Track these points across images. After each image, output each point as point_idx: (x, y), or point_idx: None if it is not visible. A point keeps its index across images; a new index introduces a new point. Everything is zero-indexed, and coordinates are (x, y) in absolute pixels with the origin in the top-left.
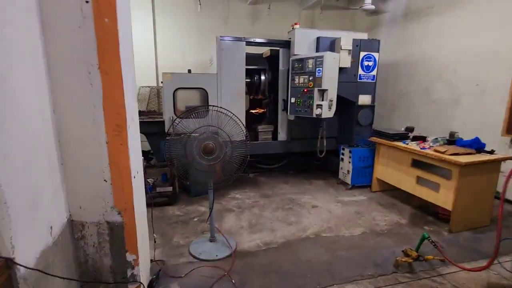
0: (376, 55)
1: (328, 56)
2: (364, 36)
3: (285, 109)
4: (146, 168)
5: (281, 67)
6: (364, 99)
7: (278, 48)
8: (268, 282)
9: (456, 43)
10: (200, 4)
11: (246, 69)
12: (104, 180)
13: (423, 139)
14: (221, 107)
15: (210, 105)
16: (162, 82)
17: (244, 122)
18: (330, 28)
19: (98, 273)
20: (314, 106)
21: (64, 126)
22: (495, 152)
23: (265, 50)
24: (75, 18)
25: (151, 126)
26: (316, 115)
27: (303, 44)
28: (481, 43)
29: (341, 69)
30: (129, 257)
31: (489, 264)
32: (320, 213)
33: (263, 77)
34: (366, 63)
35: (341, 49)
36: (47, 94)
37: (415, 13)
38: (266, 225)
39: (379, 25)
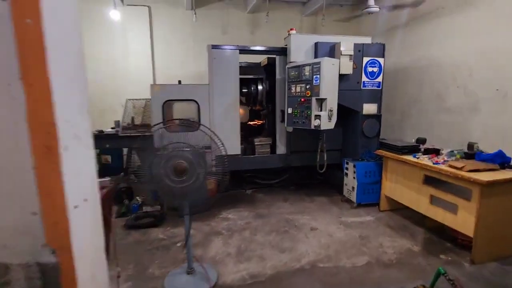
0: (381, 60)
1: (326, 62)
2: (367, 40)
3: (283, 120)
4: (135, 185)
5: (278, 75)
6: (369, 108)
7: (275, 56)
8: None
9: (470, 44)
10: (195, 14)
11: (243, 79)
12: (33, 213)
13: (436, 152)
14: (193, 121)
15: (177, 119)
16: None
17: (238, 135)
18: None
19: None
20: (312, 117)
21: None
22: None
23: (263, 59)
24: None
25: (142, 140)
26: (315, 126)
27: (300, 50)
28: (500, 42)
29: (342, 76)
30: None
31: None
32: (319, 237)
33: (260, 87)
34: (370, 69)
35: (342, 55)
36: None
37: (424, 14)
38: (256, 252)
39: (386, 29)
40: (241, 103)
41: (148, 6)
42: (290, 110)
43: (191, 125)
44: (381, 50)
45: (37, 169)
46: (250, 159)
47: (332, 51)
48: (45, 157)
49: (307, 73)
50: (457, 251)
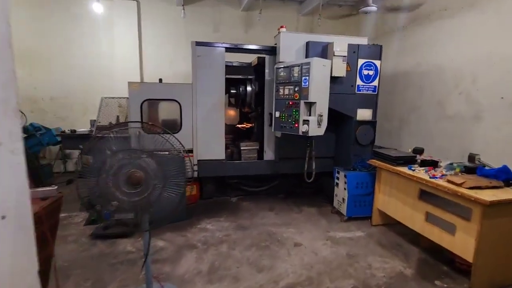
0: (377, 62)
1: (316, 62)
2: (363, 41)
3: (271, 124)
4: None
5: (267, 76)
6: (363, 114)
7: (265, 56)
8: None
9: (474, 49)
10: (183, 10)
11: (231, 79)
12: None
13: (434, 164)
14: (150, 124)
15: (130, 121)
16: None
17: (223, 139)
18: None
19: None
20: (300, 122)
21: None
22: None
23: (254, 59)
24: None
25: (120, 143)
26: (303, 132)
27: (291, 50)
28: (506, 48)
29: (335, 79)
30: None
31: None
32: (302, 254)
33: (249, 88)
34: (365, 72)
35: (334, 56)
36: None
37: (425, 16)
38: (231, 271)
39: (385, 31)
40: (230, 104)
41: (136, 1)
42: (277, 114)
43: (147, 127)
44: (377, 52)
45: None
46: (236, 165)
47: (325, 51)
48: None
49: (296, 74)
50: (455, 276)
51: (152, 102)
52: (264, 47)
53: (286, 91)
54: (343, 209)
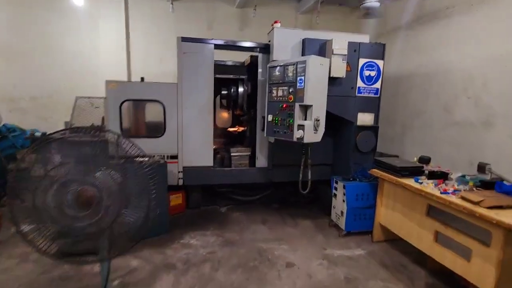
0: (380, 63)
1: (313, 61)
2: (364, 38)
3: (264, 128)
4: None
5: (260, 76)
6: (364, 119)
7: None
8: None
9: (486, 49)
10: (172, 5)
11: (222, 79)
12: None
13: (443, 176)
14: (101, 127)
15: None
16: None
17: (211, 143)
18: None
19: None
20: (295, 127)
21: None
22: None
23: (247, 57)
24: None
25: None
26: (297, 138)
27: (286, 47)
28: None
29: (333, 80)
30: None
31: None
32: (295, 277)
33: (241, 89)
34: (367, 72)
35: (333, 54)
36: None
37: (432, 14)
38: None
39: (388, 30)
40: (222, 106)
41: None
42: (270, 117)
43: (93, 131)
44: (380, 51)
45: None
46: (225, 172)
47: (323, 49)
48: None
49: (290, 74)
50: None
51: (133, 103)
52: (257, 44)
53: (280, 93)
54: (342, 223)
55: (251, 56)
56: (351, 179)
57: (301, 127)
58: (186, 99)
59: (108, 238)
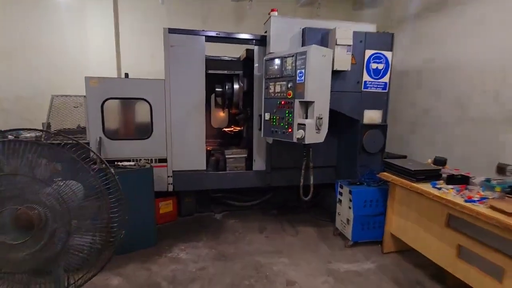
0: (388, 54)
1: (314, 51)
2: (371, 28)
3: (261, 128)
4: None
5: (256, 71)
6: (372, 116)
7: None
8: None
9: (506, 39)
10: None
11: (215, 75)
12: None
13: (465, 181)
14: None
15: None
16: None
17: (203, 145)
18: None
19: None
20: (295, 126)
21: None
22: None
23: (242, 52)
24: None
25: (76, 151)
26: (297, 139)
27: (284, 38)
28: None
29: (337, 74)
30: None
31: None
32: None
33: (236, 86)
34: (374, 65)
35: (337, 45)
36: None
37: (441, 2)
38: None
39: (393, 20)
40: (217, 105)
41: None
42: (267, 116)
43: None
44: (388, 42)
45: None
46: (219, 177)
47: (325, 40)
48: None
49: (289, 67)
50: None
51: (116, 101)
52: (253, 36)
53: (278, 88)
54: (348, 232)
55: (247, 50)
56: (357, 183)
57: (301, 126)
58: (175, 97)
59: (56, 274)
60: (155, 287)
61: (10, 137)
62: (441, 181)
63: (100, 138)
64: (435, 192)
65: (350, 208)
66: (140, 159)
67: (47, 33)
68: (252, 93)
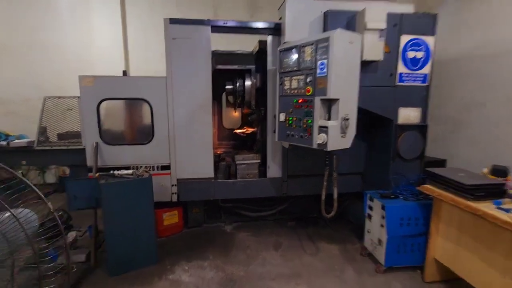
0: (429, 40)
1: (339, 37)
2: (407, 8)
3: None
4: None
5: (270, 65)
6: (408, 115)
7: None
8: None
9: None
10: None
11: (225, 71)
12: None
13: None
14: None
15: None
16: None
17: (210, 151)
18: None
19: None
20: (315, 129)
21: None
22: None
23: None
24: None
25: (72, 156)
26: (318, 145)
27: (302, 25)
28: None
29: (366, 65)
30: None
31: None
32: None
33: (248, 82)
34: (411, 54)
35: (366, 29)
36: None
37: None
38: None
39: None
40: (228, 104)
41: None
42: (282, 117)
43: None
44: (430, 25)
45: None
46: (229, 185)
47: (352, 24)
48: None
49: (308, 58)
50: None
51: (113, 102)
52: (266, 24)
53: (294, 84)
54: (380, 255)
55: (260, 42)
56: (391, 196)
57: (323, 129)
58: (178, 96)
59: None
60: None
61: (3, 143)
62: (507, 199)
63: (97, 143)
64: (503, 216)
65: (382, 226)
66: (141, 166)
67: (53, 32)
68: (266, 90)
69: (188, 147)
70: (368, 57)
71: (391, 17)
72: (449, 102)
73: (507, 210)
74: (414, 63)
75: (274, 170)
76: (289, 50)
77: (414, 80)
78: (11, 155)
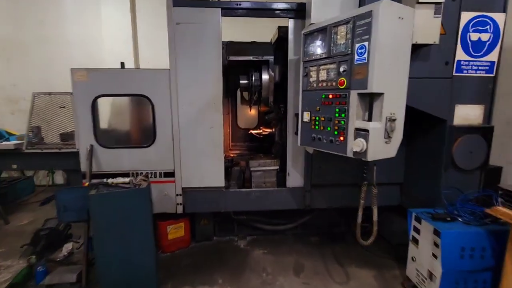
0: (499, 18)
1: (385, 10)
2: None
3: (297, 131)
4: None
5: (291, 54)
6: (467, 114)
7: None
8: None
9: None
10: None
11: (239, 63)
12: None
13: None
14: None
15: None
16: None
17: (221, 156)
18: None
19: None
20: (350, 133)
21: None
22: None
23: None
24: None
25: (67, 159)
26: (355, 153)
27: (332, 3)
28: None
29: (415, 50)
30: None
31: None
32: None
33: (265, 76)
34: (474, 36)
35: (418, 2)
36: None
37: None
38: None
39: None
40: (243, 100)
41: None
42: (306, 116)
43: None
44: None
45: None
46: (242, 196)
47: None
48: None
49: (341, 42)
50: None
51: (110, 99)
52: (287, 4)
53: (323, 75)
54: None
55: (279, 28)
56: (448, 218)
57: (361, 132)
58: (184, 92)
59: None
60: None
61: None
62: None
63: (92, 146)
64: None
65: (435, 257)
66: (141, 173)
67: (61, 27)
68: (286, 84)
69: (195, 151)
70: (419, 39)
71: None
72: (505, 97)
73: None
74: (477, 48)
75: (295, 178)
76: (317, 32)
77: (477, 70)
78: (0, 158)
